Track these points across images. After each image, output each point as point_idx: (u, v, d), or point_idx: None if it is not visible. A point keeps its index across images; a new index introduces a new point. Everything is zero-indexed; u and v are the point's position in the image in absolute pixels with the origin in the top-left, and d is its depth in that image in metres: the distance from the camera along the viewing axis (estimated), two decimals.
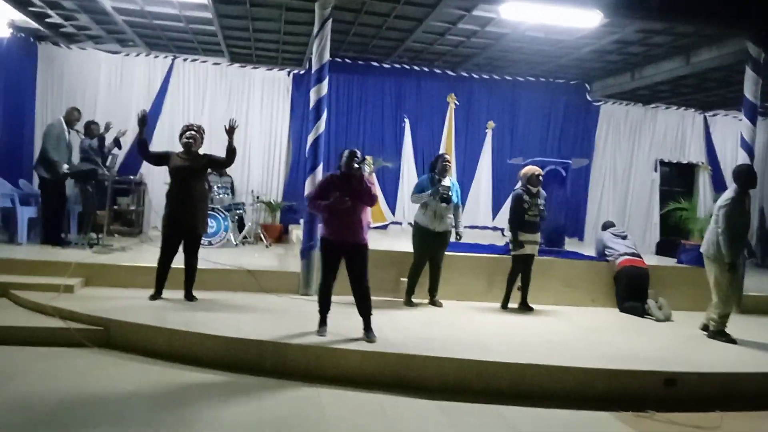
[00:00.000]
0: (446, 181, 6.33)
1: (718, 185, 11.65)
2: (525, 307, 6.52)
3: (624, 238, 7.41)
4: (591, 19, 7.36)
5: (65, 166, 7.41)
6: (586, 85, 11.67)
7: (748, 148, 7.48)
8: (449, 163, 6.55)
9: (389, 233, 10.40)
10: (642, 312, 6.58)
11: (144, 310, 5.21)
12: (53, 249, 7.13)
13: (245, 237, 9.41)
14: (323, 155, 6.73)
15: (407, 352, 4.44)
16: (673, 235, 10.98)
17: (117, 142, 8.46)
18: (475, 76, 11.28)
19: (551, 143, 11.47)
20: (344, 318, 4.98)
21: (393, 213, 11.05)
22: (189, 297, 5.80)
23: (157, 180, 9.47)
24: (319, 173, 6.53)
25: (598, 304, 7.01)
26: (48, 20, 9.01)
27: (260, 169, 10.80)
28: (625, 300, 6.78)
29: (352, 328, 4.83)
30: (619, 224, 8.71)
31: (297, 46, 9.72)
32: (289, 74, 10.84)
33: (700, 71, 9.27)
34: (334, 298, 4.91)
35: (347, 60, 10.75)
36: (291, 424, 3.56)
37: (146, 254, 6.98)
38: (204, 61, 10.63)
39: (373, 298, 4.87)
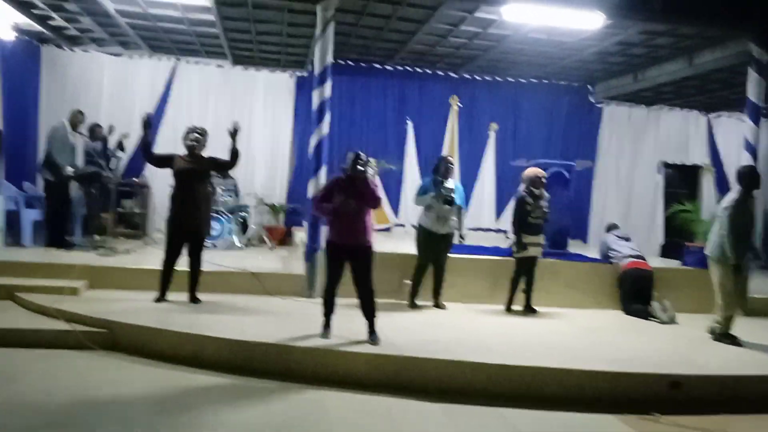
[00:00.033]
0: (449, 184, 6.33)
1: (722, 187, 11.58)
2: (529, 310, 6.51)
3: (627, 240, 7.39)
4: (594, 21, 7.36)
5: (69, 169, 7.43)
6: (589, 87, 11.66)
7: (752, 150, 7.49)
8: (452, 165, 6.55)
9: (393, 235, 10.38)
10: (647, 315, 6.56)
11: (148, 313, 5.22)
12: (58, 251, 7.15)
13: (249, 239, 9.41)
14: (326, 157, 6.73)
15: (411, 354, 4.44)
16: (678, 237, 10.93)
17: (120, 146, 8.47)
18: (477, 78, 11.27)
19: (554, 145, 11.42)
20: (348, 320, 4.97)
21: (396, 215, 11.04)
22: (193, 299, 5.81)
23: (161, 182, 9.44)
24: (323, 175, 6.54)
25: (602, 306, 6.99)
26: (51, 23, 9.04)
27: (264, 171, 10.79)
28: (630, 302, 6.77)
29: (356, 330, 4.82)
30: (622, 226, 8.68)
31: (300, 49, 9.73)
32: (291, 76, 10.84)
33: (703, 73, 9.26)
34: (337, 300, 4.90)
35: (350, 62, 10.75)
36: (295, 427, 3.56)
37: (150, 257, 6.99)
38: (207, 64, 10.65)
39: (376, 300, 4.86)
